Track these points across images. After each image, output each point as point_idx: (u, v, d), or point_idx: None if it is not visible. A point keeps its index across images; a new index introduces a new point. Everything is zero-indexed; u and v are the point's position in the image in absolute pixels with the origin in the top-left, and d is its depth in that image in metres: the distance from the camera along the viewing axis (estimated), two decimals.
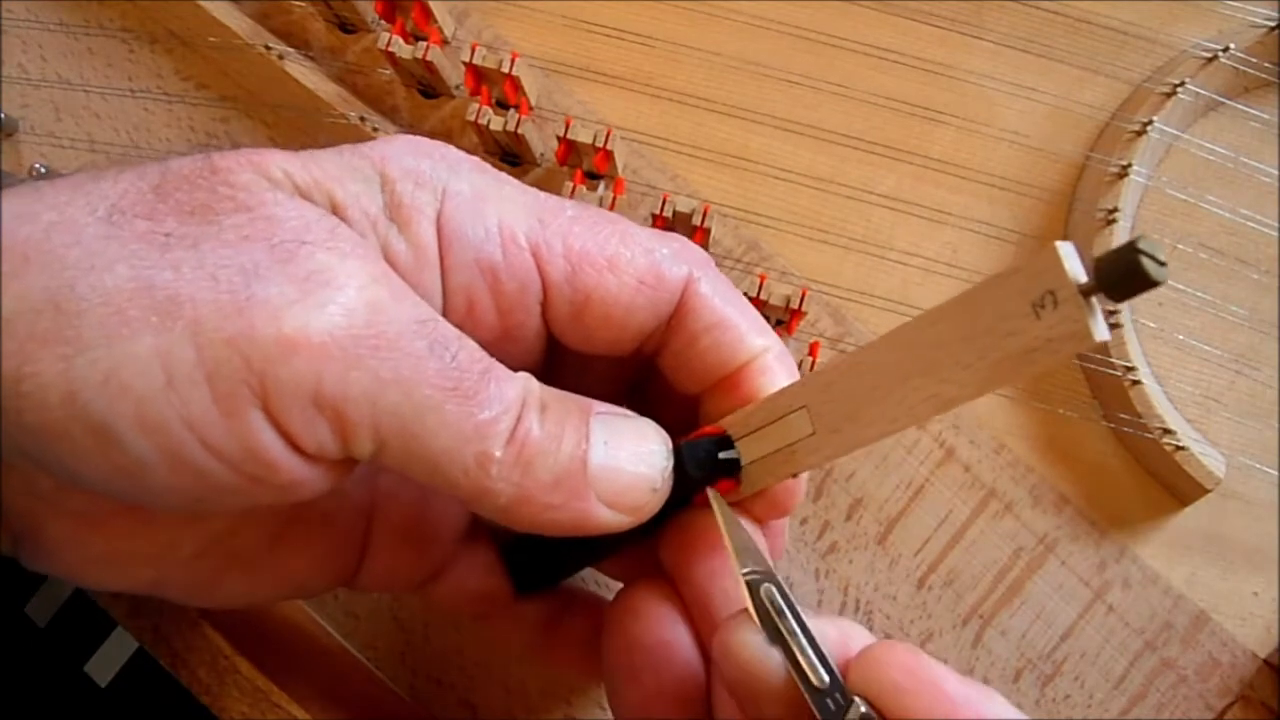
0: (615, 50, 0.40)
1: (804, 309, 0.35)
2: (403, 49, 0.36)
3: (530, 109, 0.39)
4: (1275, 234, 0.38)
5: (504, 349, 0.25)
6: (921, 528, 0.36)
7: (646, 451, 0.24)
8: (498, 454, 0.22)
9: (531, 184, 0.38)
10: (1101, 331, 0.17)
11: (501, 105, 0.38)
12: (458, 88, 0.39)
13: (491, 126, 0.36)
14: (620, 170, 0.37)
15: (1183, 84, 0.37)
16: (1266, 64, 0.39)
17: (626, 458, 0.24)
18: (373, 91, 0.40)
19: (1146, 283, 0.17)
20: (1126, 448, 0.37)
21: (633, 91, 0.40)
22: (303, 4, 0.40)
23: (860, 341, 0.37)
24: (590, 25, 0.40)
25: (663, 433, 0.25)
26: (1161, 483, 0.37)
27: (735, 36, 0.40)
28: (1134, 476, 0.37)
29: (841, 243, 0.39)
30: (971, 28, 0.40)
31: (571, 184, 0.36)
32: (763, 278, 0.36)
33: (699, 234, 0.36)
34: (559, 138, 0.36)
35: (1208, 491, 0.35)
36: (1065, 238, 0.39)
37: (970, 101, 0.40)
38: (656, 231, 0.26)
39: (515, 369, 0.24)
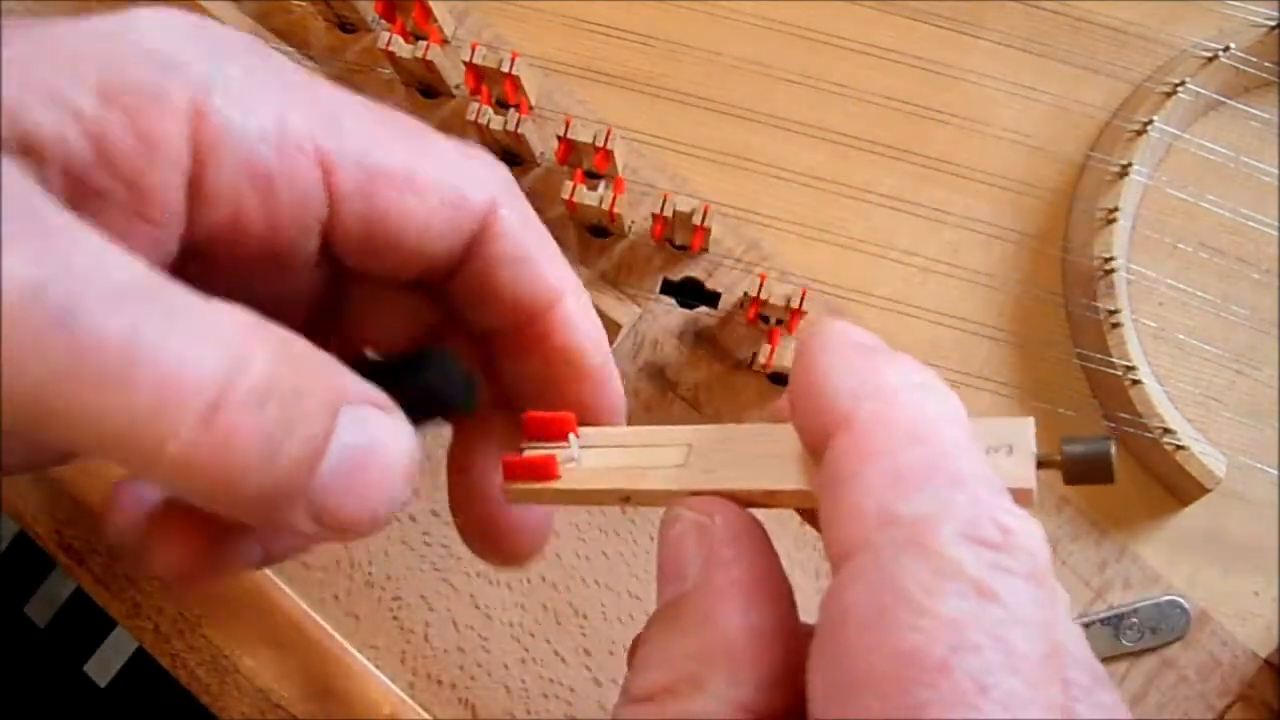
0: (615, 50, 0.40)
1: (804, 309, 0.35)
2: (403, 48, 0.36)
3: (530, 109, 0.39)
4: (1275, 234, 0.38)
5: (272, 272, 0.21)
6: None
7: (392, 466, 0.19)
8: (176, 443, 0.16)
9: (531, 184, 0.39)
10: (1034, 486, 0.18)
11: (501, 105, 0.38)
12: (458, 87, 0.39)
13: (491, 126, 0.36)
14: (620, 170, 0.37)
15: (1183, 84, 0.37)
16: (1266, 64, 0.39)
17: (368, 479, 0.19)
18: (372, 91, 0.40)
19: (1106, 479, 0.18)
20: (1126, 448, 0.37)
21: (633, 91, 0.40)
22: (303, 3, 0.40)
23: None
24: (590, 25, 0.40)
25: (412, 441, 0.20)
26: (1161, 483, 0.37)
27: (735, 36, 0.40)
28: (1134, 476, 0.37)
29: (841, 243, 0.39)
30: (971, 27, 0.40)
31: (571, 183, 0.36)
32: (763, 277, 0.36)
33: (699, 233, 0.36)
34: (559, 137, 0.36)
35: (1208, 491, 0.35)
36: (1065, 237, 0.39)
37: (970, 101, 0.40)
38: (458, 143, 0.23)
39: (285, 298, 0.21)
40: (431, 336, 0.25)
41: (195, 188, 0.20)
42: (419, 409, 0.21)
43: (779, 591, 0.19)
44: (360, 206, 0.21)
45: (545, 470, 0.22)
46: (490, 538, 0.25)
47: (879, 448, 0.17)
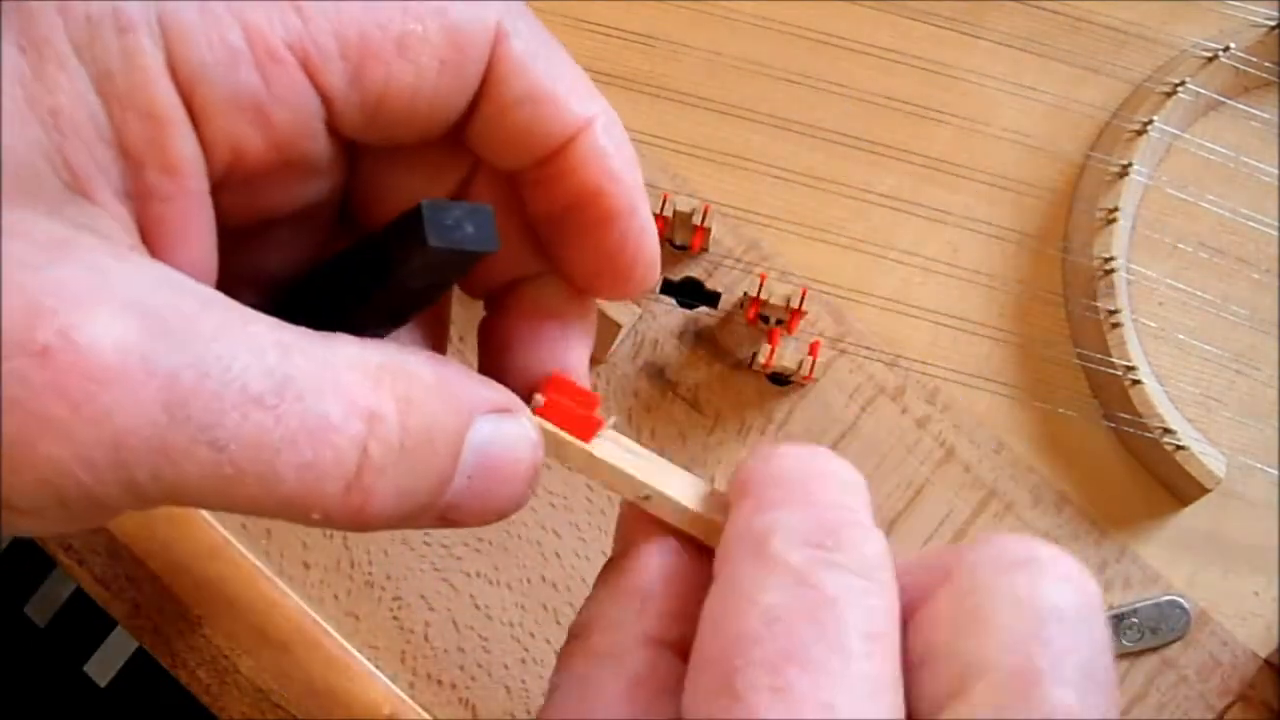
0: (615, 50, 0.40)
1: (804, 308, 0.35)
2: None
3: None
4: (1275, 234, 0.38)
5: (289, 184, 0.20)
6: (922, 527, 0.36)
7: (516, 471, 0.20)
8: (320, 513, 0.17)
9: None
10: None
11: None
12: None
13: None
14: None
15: (1183, 83, 0.37)
16: (1266, 64, 0.39)
17: (493, 488, 0.20)
18: None
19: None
20: (1126, 448, 0.37)
21: (633, 91, 0.40)
22: None
23: (861, 340, 0.37)
24: (590, 25, 0.40)
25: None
26: (1161, 483, 0.37)
27: (735, 36, 0.40)
28: (1134, 476, 0.37)
29: (841, 242, 0.39)
30: (971, 27, 0.40)
31: None
32: (763, 277, 0.36)
33: (699, 233, 0.36)
34: None
35: (1208, 491, 0.35)
36: (1065, 237, 0.39)
37: (970, 101, 0.40)
38: None
39: (311, 196, 0.20)
40: (463, 190, 0.23)
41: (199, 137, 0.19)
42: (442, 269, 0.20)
43: (689, 544, 0.21)
44: (355, 94, 0.19)
45: (585, 427, 0.21)
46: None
47: (757, 495, 0.19)
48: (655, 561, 0.21)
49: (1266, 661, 0.35)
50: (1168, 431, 0.35)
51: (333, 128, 0.20)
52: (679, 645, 0.19)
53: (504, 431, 0.20)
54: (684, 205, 0.35)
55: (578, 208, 0.22)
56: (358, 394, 0.17)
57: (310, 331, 0.18)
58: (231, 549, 0.38)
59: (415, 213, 0.18)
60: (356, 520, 0.18)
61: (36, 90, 0.17)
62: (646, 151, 0.39)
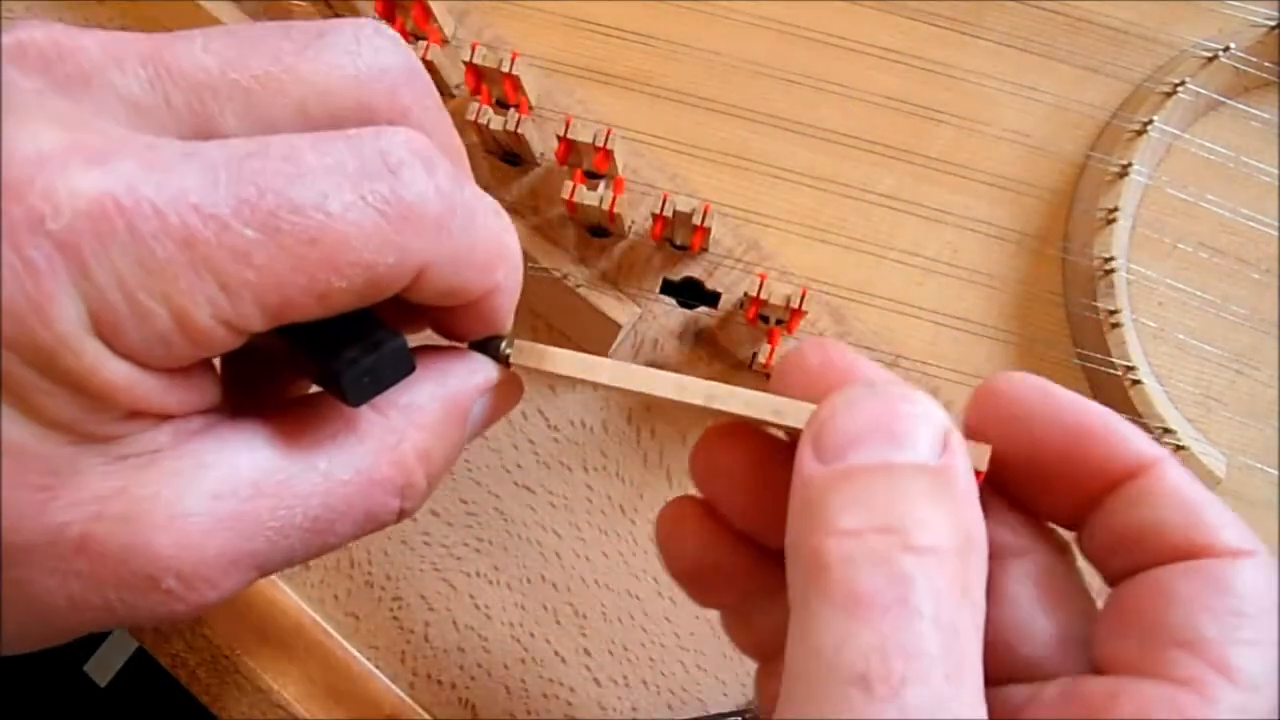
0: (615, 50, 0.40)
1: (804, 309, 0.35)
2: None
3: (530, 109, 0.39)
4: (1275, 234, 0.38)
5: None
6: None
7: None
8: None
9: (531, 184, 0.39)
10: None
11: (501, 105, 0.38)
12: (458, 87, 0.39)
13: (491, 126, 0.36)
14: (620, 170, 0.37)
15: (1183, 83, 0.37)
16: (1266, 64, 0.39)
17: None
18: None
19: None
20: None
21: (633, 91, 0.40)
22: (303, 3, 0.40)
23: (861, 341, 0.37)
24: (590, 25, 0.40)
25: None
26: None
27: (735, 36, 0.40)
28: None
29: (841, 243, 0.39)
30: (971, 27, 0.40)
31: (571, 183, 0.36)
32: (763, 277, 0.36)
33: (699, 233, 0.36)
34: (559, 137, 0.36)
35: None
36: (1065, 237, 0.39)
37: (970, 101, 0.40)
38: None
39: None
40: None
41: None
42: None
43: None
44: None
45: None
46: None
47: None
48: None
49: None
50: (1168, 431, 0.35)
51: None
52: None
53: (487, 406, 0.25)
54: (684, 205, 0.35)
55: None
56: (392, 481, 0.22)
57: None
58: None
59: (334, 376, 0.20)
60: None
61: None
62: (646, 151, 0.39)
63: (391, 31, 0.22)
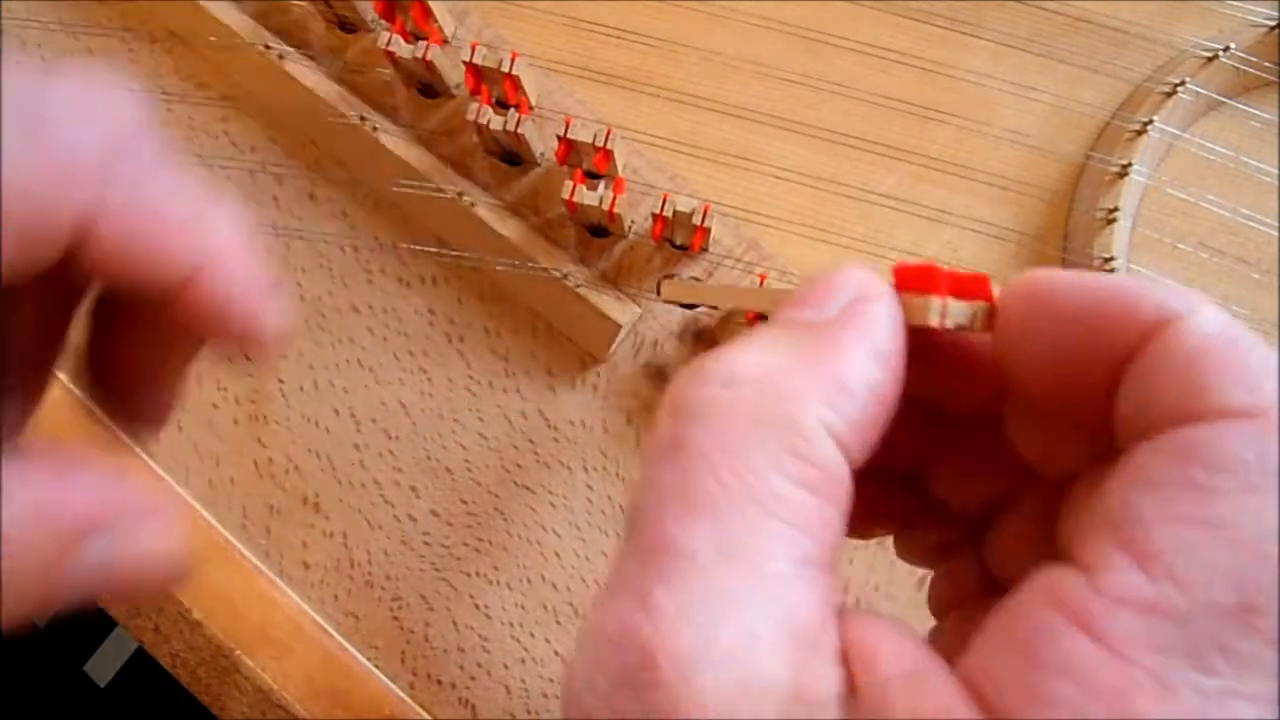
0: (615, 50, 0.40)
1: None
2: (402, 48, 0.36)
3: (530, 108, 0.39)
4: (1275, 234, 0.38)
5: None
6: None
7: None
8: None
9: (531, 184, 0.39)
10: None
11: (501, 105, 0.38)
12: (458, 87, 0.39)
13: (491, 126, 0.36)
14: (620, 170, 0.37)
15: (1183, 83, 0.37)
16: (1266, 64, 0.39)
17: None
18: (372, 91, 0.40)
19: None
20: None
21: (633, 91, 0.40)
22: (302, 3, 0.40)
23: None
24: (590, 25, 0.40)
25: None
26: None
27: (735, 36, 0.40)
28: None
29: (842, 243, 0.39)
30: (971, 27, 0.40)
31: (571, 183, 0.36)
32: (762, 277, 0.36)
33: (699, 233, 0.36)
34: (559, 137, 0.36)
35: None
36: (1065, 237, 0.39)
37: (970, 101, 0.40)
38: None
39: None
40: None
41: None
42: None
43: (900, 378, 0.18)
44: None
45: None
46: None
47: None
48: (858, 360, 0.18)
49: None
50: None
51: None
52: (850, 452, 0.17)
53: (120, 552, 0.18)
54: (684, 205, 0.35)
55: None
56: None
57: None
58: (231, 549, 0.38)
59: None
60: None
61: None
62: (647, 151, 0.39)
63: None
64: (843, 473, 0.17)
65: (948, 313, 0.19)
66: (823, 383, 0.17)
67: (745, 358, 0.18)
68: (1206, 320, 0.16)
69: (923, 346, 0.19)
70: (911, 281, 0.19)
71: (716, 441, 0.16)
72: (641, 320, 0.38)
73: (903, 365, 0.18)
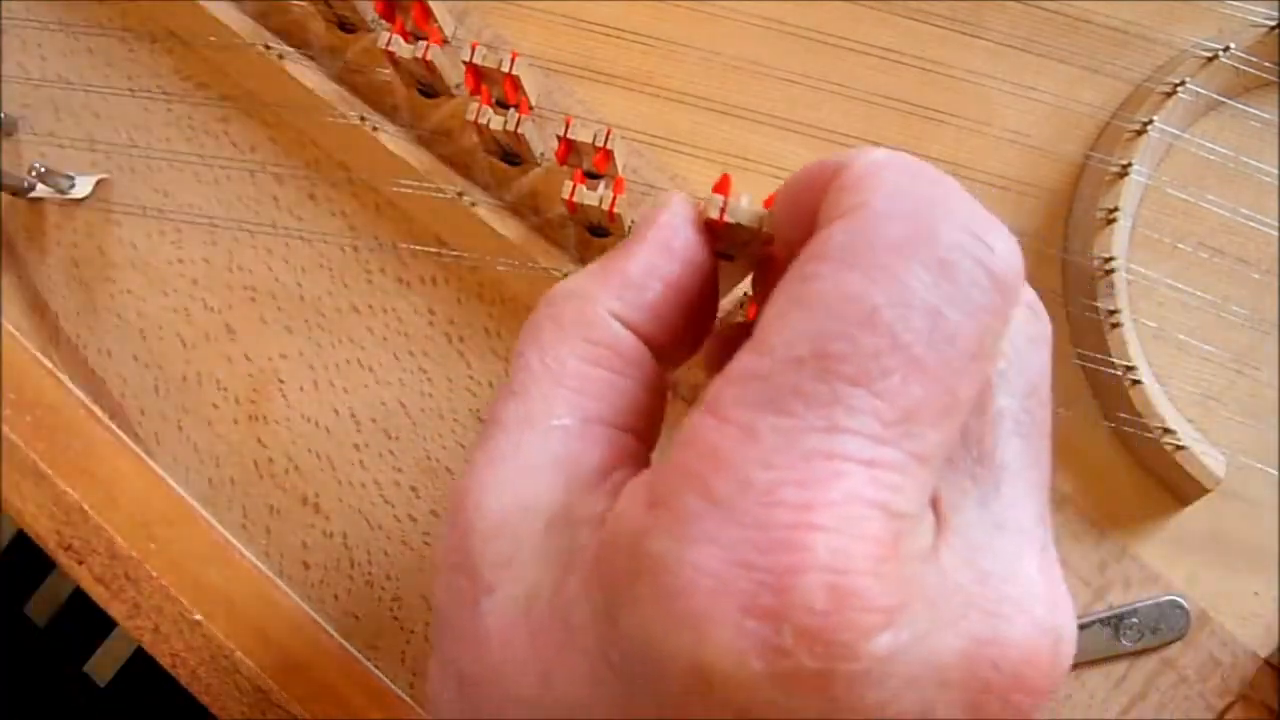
0: (615, 50, 0.40)
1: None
2: (403, 48, 0.36)
3: (530, 108, 0.39)
4: (1275, 234, 0.38)
5: None
6: None
7: None
8: None
9: (531, 184, 0.39)
10: None
11: (501, 105, 0.38)
12: (458, 87, 0.39)
13: (491, 126, 0.36)
14: (620, 170, 0.37)
15: (1183, 83, 0.37)
16: (1266, 64, 0.39)
17: None
18: (372, 91, 0.40)
19: None
20: (1126, 448, 0.37)
21: (632, 91, 0.40)
22: (302, 3, 0.40)
23: None
24: (590, 25, 0.40)
25: None
26: (1161, 483, 0.37)
27: (735, 36, 0.40)
28: (1134, 476, 0.37)
29: None
30: (971, 27, 0.40)
31: (571, 183, 0.36)
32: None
33: None
34: (559, 137, 0.36)
35: (1208, 491, 0.35)
36: (1065, 237, 0.39)
37: (970, 101, 0.40)
38: None
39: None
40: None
41: None
42: None
43: (695, 264, 0.23)
44: None
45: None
46: None
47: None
48: (640, 255, 0.23)
49: (1266, 661, 0.35)
50: (1168, 432, 0.35)
51: None
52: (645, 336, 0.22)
53: None
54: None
55: None
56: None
57: None
58: (231, 549, 0.38)
59: None
60: None
61: None
62: (647, 151, 0.39)
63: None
64: (634, 349, 0.22)
65: (728, 209, 0.23)
66: (611, 281, 0.22)
67: (564, 283, 0.23)
68: (859, 161, 0.20)
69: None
70: (716, 188, 0.24)
71: (535, 346, 0.22)
72: None
73: (702, 252, 0.23)
